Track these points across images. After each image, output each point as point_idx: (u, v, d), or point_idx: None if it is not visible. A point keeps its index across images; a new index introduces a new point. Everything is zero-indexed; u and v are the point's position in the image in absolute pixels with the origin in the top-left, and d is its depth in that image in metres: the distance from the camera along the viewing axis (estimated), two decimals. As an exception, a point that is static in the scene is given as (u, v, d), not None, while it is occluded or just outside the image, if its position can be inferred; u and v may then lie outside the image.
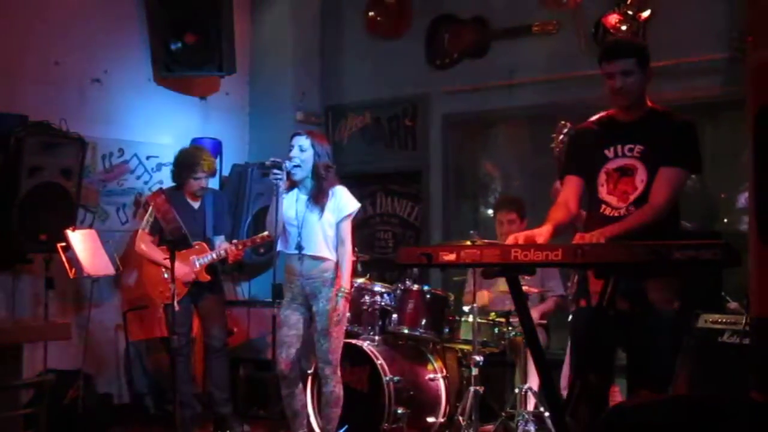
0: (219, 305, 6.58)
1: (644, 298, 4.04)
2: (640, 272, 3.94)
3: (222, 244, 6.43)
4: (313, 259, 5.46)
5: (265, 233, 6.03)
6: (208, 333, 6.57)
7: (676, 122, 4.15)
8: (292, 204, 5.51)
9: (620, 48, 4.22)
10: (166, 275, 6.12)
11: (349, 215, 5.54)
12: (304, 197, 5.50)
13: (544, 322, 6.36)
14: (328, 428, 5.55)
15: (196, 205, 6.52)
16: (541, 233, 3.94)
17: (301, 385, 5.68)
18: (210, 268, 6.39)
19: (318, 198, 5.46)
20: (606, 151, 4.19)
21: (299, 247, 5.44)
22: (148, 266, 6.40)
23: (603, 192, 4.18)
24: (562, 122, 5.18)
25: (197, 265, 6.33)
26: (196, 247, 6.36)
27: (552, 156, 5.16)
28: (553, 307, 6.38)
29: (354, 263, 6.55)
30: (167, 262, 5.92)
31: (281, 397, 5.61)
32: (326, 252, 5.48)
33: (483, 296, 6.36)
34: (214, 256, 6.33)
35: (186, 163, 6.50)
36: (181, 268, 6.16)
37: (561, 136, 5.12)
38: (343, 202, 5.52)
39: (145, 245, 6.37)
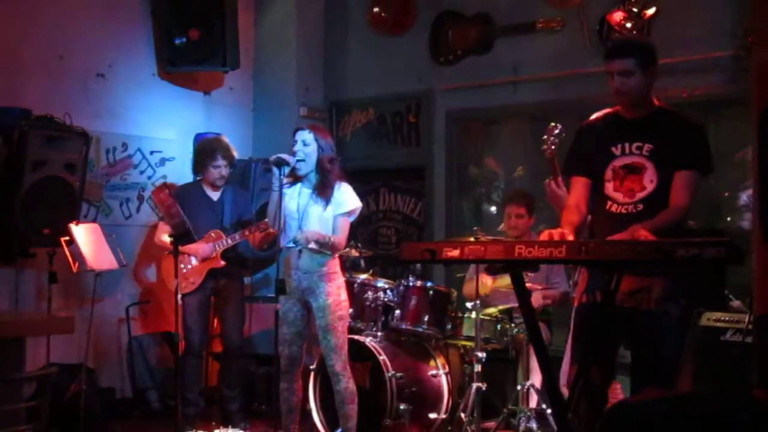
0: (238, 301, 6.59)
1: (650, 296, 4.04)
2: (644, 270, 3.95)
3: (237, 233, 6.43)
4: (311, 252, 5.43)
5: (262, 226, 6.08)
6: (224, 332, 6.60)
7: (686, 124, 4.17)
8: (294, 197, 5.49)
9: (620, 48, 4.22)
10: (182, 267, 6.17)
11: (349, 212, 5.49)
12: (307, 191, 5.48)
13: (549, 302, 6.31)
14: (348, 426, 5.52)
15: (215, 196, 6.54)
16: (567, 234, 3.97)
17: (301, 382, 5.67)
18: (227, 256, 6.40)
19: (322, 191, 5.43)
20: (613, 148, 4.20)
21: (297, 240, 5.40)
22: (168, 258, 6.40)
23: (609, 189, 4.19)
24: (552, 124, 5.19)
25: (212, 251, 6.36)
26: (212, 234, 6.38)
27: (543, 157, 5.18)
28: (558, 295, 6.35)
29: (356, 259, 6.57)
30: (186, 249, 6.06)
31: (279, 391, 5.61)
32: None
33: (486, 284, 6.32)
34: (229, 241, 6.35)
35: (205, 150, 6.54)
36: (203, 250, 6.28)
37: (552, 138, 5.14)
38: (344, 198, 5.47)
39: (166, 236, 6.41)
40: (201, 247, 6.34)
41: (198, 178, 6.67)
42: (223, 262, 6.40)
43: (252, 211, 6.82)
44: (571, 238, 3.95)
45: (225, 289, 6.52)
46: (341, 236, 5.46)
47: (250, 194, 7.44)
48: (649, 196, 4.10)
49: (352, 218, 5.55)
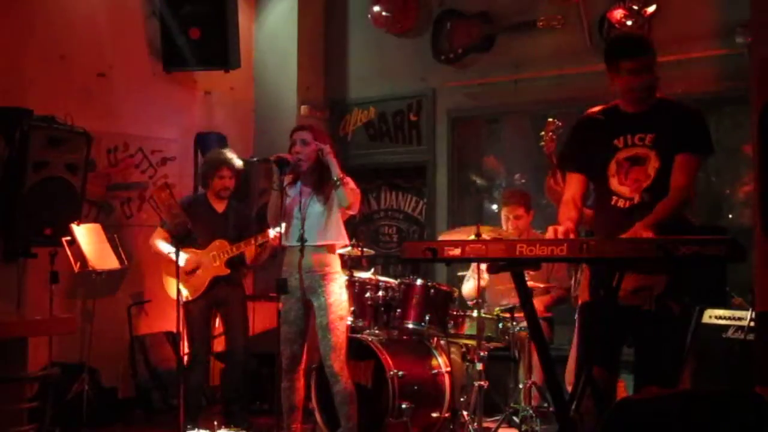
0: (241, 307, 6.61)
1: (652, 294, 4.04)
2: (646, 268, 3.94)
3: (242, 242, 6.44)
4: (314, 250, 5.43)
5: (269, 234, 6.06)
6: (229, 340, 6.61)
7: (684, 109, 4.17)
8: (295, 197, 5.51)
9: (639, 44, 4.22)
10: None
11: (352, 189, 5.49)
12: (308, 190, 5.50)
13: (550, 314, 6.35)
14: (349, 426, 5.53)
15: (220, 208, 6.57)
16: (570, 231, 3.98)
17: (303, 380, 5.67)
18: (231, 264, 6.41)
19: (322, 189, 5.45)
20: (616, 141, 4.18)
21: (301, 239, 5.42)
22: (169, 269, 6.41)
23: (614, 183, 4.18)
24: (551, 119, 5.20)
25: (216, 261, 6.37)
26: (216, 244, 6.40)
27: (542, 153, 5.18)
28: (556, 298, 6.36)
29: (357, 258, 6.57)
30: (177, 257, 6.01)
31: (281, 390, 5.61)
32: (329, 240, 5.48)
33: (483, 278, 6.27)
34: (234, 250, 6.37)
35: (212, 161, 6.60)
36: (187, 262, 6.23)
37: (550, 134, 5.14)
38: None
39: (159, 242, 6.44)
40: (188, 259, 6.34)
41: (203, 192, 6.70)
42: (227, 270, 6.41)
43: (253, 226, 6.81)
44: (572, 235, 3.97)
45: (228, 297, 6.52)
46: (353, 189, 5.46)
47: (251, 195, 7.48)
48: (653, 183, 4.09)
49: (351, 208, 5.56)
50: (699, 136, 4.14)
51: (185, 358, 6.35)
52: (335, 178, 5.36)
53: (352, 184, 5.51)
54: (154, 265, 6.96)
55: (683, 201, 4.05)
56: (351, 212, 5.58)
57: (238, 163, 6.65)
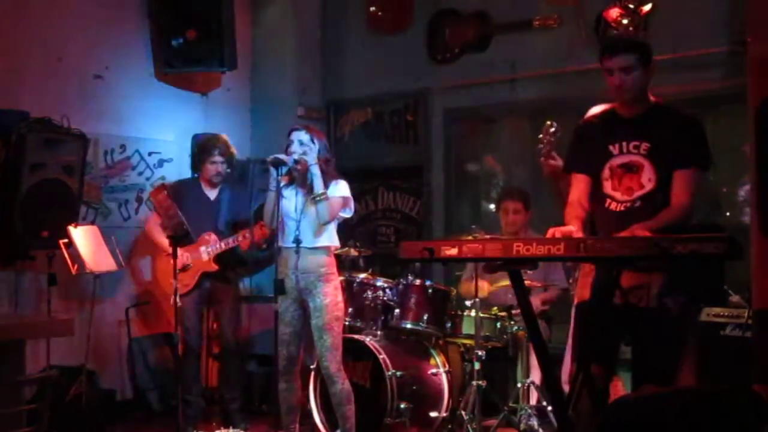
0: (233, 303, 6.59)
1: (649, 293, 4.05)
2: (643, 266, 3.95)
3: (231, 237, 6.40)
4: (310, 251, 5.42)
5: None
6: (222, 333, 6.60)
7: (682, 120, 4.17)
8: (291, 198, 5.51)
9: (620, 44, 4.24)
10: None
11: (341, 197, 5.45)
12: (303, 191, 5.50)
13: (546, 308, 6.34)
14: (347, 426, 5.52)
15: (212, 195, 6.53)
16: (574, 231, 3.99)
17: (300, 381, 5.67)
18: (221, 259, 6.39)
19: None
20: (611, 147, 4.20)
21: (297, 241, 5.41)
22: (162, 259, 6.41)
23: (608, 187, 4.21)
24: (548, 123, 5.19)
25: (205, 255, 6.34)
26: (206, 237, 6.37)
27: (539, 156, 5.17)
28: (555, 297, 6.38)
29: (355, 258, 6.58)
30: (168, 247, 5.99)
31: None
32: (325, 242, 5.47)
33: (482, 287, 6.33)
34: (223, 245, 6.33)
35: (203, 146, 6.55)
36: (182, 256, 6.20)
37: (548, 137, 5.14)
38: (338, 190, 5.46)
39: (154, 227, 6.43)
40: (184, 255, 6.31)
41: (196, 176, 6.68)
42: (215, 266, 6.37)
43: (250, 210, 6.81)
44: (579, 233, 3.98)
45: (218, 292, 6.50)
46: (334, 203, 5.41)
47: (249, 194, 7.45)
48: (648, 194, 4.11)
49: (346, 212, 5.53)
50: (698, 150, 4.15)
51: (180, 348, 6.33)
52: (314, 194, 5.34)
53: (346, 188, 5.50)
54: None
55: (685, 216, 4.08)
56: (345, 215, 5.57)
57: (232, 148, 6.62)
